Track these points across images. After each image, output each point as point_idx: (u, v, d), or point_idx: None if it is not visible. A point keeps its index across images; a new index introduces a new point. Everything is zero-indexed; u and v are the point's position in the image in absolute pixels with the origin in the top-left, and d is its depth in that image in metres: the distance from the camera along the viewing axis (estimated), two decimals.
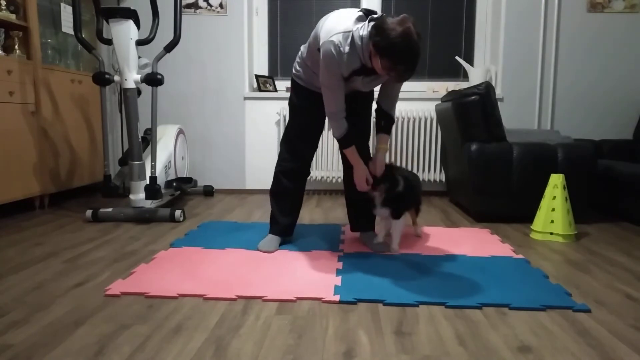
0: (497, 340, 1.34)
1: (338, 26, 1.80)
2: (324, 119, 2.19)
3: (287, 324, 1.43)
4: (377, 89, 2.11)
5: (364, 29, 1.77)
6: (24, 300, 1.59)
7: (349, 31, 1.78)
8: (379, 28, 1.69)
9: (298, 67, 2.12)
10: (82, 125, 3.51)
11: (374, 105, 2.13)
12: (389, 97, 2.04)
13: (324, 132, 3.78)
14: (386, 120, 2.06)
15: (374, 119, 2.11)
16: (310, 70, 2.05)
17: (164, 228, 2.64)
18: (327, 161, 3.81)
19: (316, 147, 2.21)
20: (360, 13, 1.83)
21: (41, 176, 3.04)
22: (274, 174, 2.24)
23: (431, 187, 3.95)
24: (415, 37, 1.66)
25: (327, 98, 1.90)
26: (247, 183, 3.97)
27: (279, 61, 4.06)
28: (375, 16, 1.80)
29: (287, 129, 2.20)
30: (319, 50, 1.85)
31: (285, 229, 2.25)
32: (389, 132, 2.08)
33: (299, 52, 2.13)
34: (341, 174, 3.80)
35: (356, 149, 2.01)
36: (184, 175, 3.64)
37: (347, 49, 1.78)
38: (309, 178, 3.67)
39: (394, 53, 1.67)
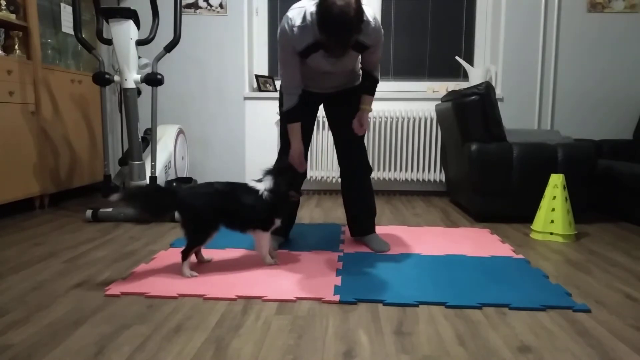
0: (497, 340, 1.34)
1: (297, 4, 1.88)
2: (313, 120, 2.21)
3: (287, 324, 1.43)
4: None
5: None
6: (24, 300, 1.59)
7: (303, 7, 1.84)
8: (319, 3, 1.71)
9: None
10: (82, 125, 3.51)
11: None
12: (368, 63, 2.06)
13: (323, 132, 3.78)
14: (369, 81, 2.09)
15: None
16: None
17: (164, 228, 2.64)
18: (327, 161, 3.81)
19: (307, 145, 2.20)
20: None
21: (41, 176, 3.03)
22: None
23: (431, 187, 3.95)
24: (338, 8, 1.63)
25: (281, 73, 1.99)
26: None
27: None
28: None
29: (280, 128, 2.21)
30: None
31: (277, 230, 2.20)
32: (371, 92, 2.11)
33: None
34: None
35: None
36: (184, 175, 3.64)
37: (298, 22, 1.83)
38: (307, 178, 3.67)
39: (320, 25, 1.70)
